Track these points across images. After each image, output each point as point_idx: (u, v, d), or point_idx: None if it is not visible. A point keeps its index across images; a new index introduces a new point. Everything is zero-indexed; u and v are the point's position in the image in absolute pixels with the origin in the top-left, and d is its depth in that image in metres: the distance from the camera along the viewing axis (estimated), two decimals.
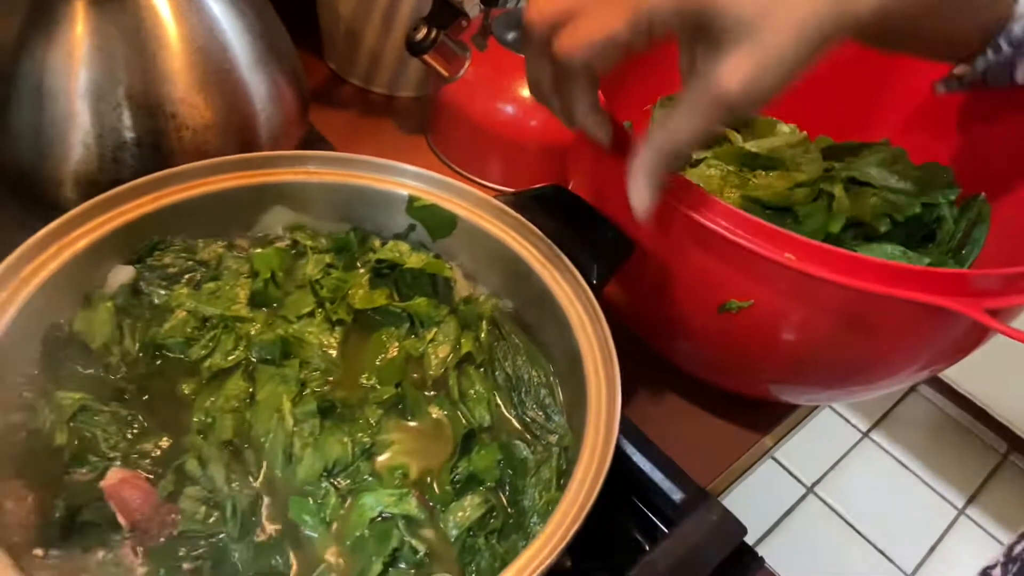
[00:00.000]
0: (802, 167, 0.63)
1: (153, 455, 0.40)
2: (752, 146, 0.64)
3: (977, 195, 0.60)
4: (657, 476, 0.47)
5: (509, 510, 0.41)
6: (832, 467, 1.88)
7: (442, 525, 0.40)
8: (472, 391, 0.46)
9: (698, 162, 0.65)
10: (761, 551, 0.49)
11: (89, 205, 0.44)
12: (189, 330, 0.45)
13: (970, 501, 1.85)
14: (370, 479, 0.41)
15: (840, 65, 0.68)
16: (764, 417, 0.63)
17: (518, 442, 0.44)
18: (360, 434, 0.43)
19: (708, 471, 0.58)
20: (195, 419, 0.42)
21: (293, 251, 0.51)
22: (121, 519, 0.36)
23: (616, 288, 0.54)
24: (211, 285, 0.48)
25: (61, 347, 0.42)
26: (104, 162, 0.50)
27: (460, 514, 0.40)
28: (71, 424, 0.40)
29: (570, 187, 0.55)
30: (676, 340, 0.57)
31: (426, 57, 0.70)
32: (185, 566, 0.36)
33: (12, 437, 0.38)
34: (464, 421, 0.45)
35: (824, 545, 1.73)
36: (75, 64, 0.48)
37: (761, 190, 0.61)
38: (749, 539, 0.47)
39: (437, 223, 0.51)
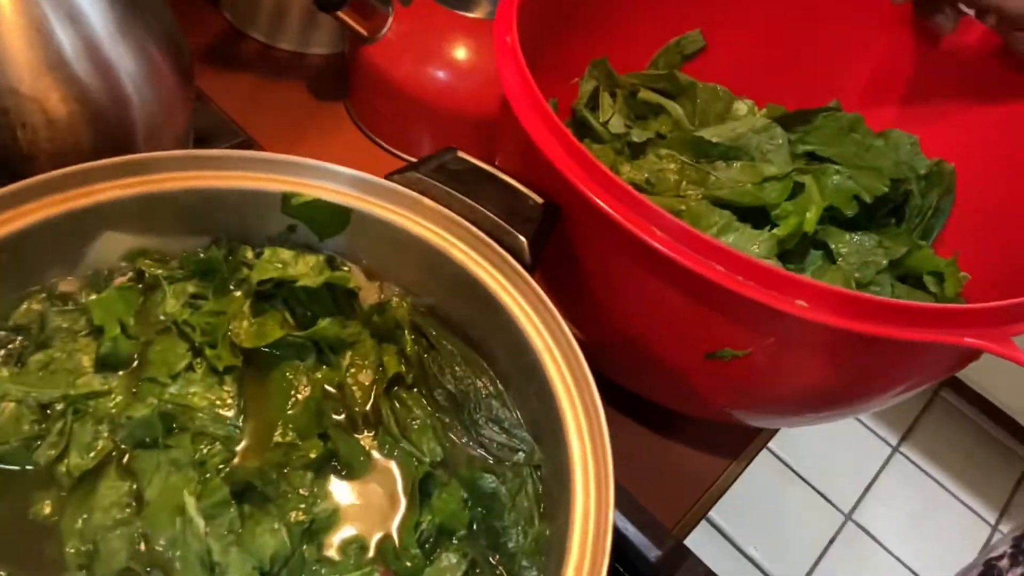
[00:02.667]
0: (769, 156, 0.56)
1: None
2: (710, 134, 0.56)
3: (942, 163, 0.57)
4: (629, 530, 0.42)
5: (492, 559, 0.35)
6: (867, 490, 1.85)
7: None
8: (412, 420, 0.39)
9: (642, 147, 0.57)
10: None
11: None
12: (25, 427, 0.34)
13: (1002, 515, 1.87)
14: (321, 568, 0.33)
15: (783, 17, 0.62)
16: (733, 437, 0.58)
17: (483, 474, 0.37)
18: (293, 512, 0.34)
19: (676, 504, 0.54)
20: (68, 550, 0.31)
21: (139, 286, 0.40)
22: None
23: (569, 318, 0.45)
24: (40, 357, 0.36)
25: None
26: None
27: None
28: None
29: (496, 162, 0.46)
30: (631, 371, 0.51)
31: (340, 14, 0.57)
32: None
33: None
34: (415, 461, 0.37)
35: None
36: None
37: (726, 188, 0.53)
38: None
39: (325, 220, 0.41)
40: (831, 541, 1.79)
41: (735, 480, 0.57)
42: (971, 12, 0.55)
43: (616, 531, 0.44)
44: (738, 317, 0.40)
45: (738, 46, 0.64)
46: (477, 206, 0.42)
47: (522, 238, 0.41)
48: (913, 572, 1.78)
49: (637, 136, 0.57)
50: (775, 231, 0.50)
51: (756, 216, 0.52)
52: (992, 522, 1.89)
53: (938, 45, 0.59)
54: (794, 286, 0.37)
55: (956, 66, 0.59)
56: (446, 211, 0.41)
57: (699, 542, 1.66)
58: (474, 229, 0.40)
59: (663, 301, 0.42)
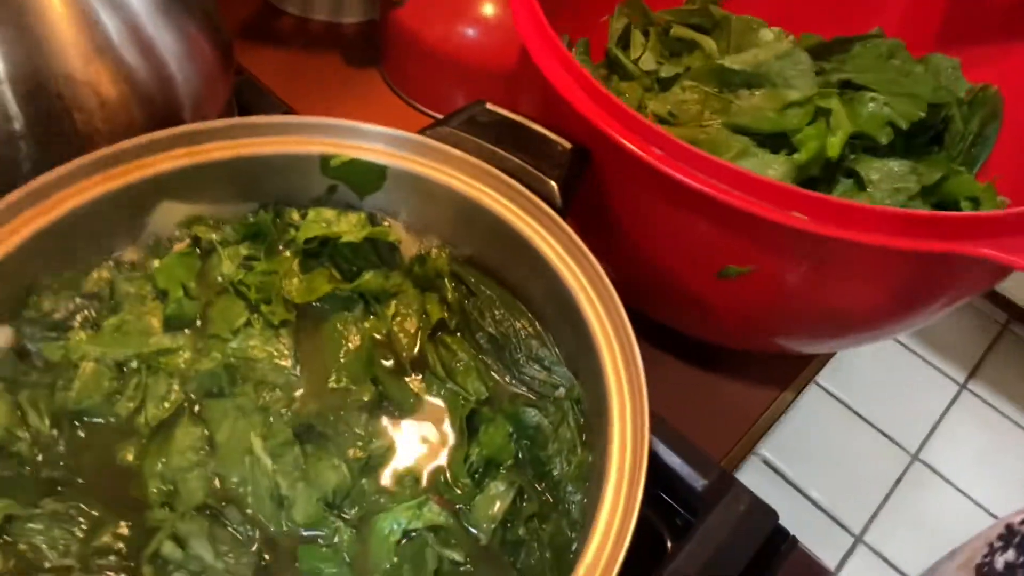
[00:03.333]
0: (792, 82, 0.55)
1: (116, 549, 0.33)
2: (732, 61, 0.55)
3: (987, 86, 0.55)
4: (675, 461, 0.43)
5: (539, 486, 0.37)
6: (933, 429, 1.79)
7: (471, 525, 0.36)
8: (457, 362, 0.41)
9: (670, 81, 0.58)
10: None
11: None
12: (105, 384, 0.37)
13: None
14: (379, 498, 0.36)
15: None
16: (780, 370, 0.58)
17: (526, 408, 0.39)
18: (351, 450, 0.37)
19: (723, 442, 0.54)
20: (152, 490, 0.35)
21: (197, 251, 0.43)
22: None
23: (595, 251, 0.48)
24: (113, 320, 0.39)
25: None
26: None
27: (489, 507, 0.36)
28: (0, 541, 0.32)
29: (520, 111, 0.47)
30: (670, 307, 0.51)
31: None
32: None
33: None
34: (461, 400, 0.39)
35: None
36: None
37: (747, 115, 0.53)
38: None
39: (362, 179, 0.43)
40: (897, 481, 1.77)
41: (785, 411, 0.57)
42: None
43: (662, 464, 0.45)
44: (738, 232, 0.41)
45: None
46: (507, 155, 0.43)
47: (552, 183, 0.43)
48: (984, 509, 1.75)
49: (666, 72, 0.57)
50: (794, 156, 0.49)
51: (780, 143, 0.52)
52: None
53: None
54: (791, 198, 0.37)
55: None
56: (477, 161, 0.42)
57: (760, 484, 1.66)
58: (505, 177, 0.41)
59: (670, 222, 0.43)
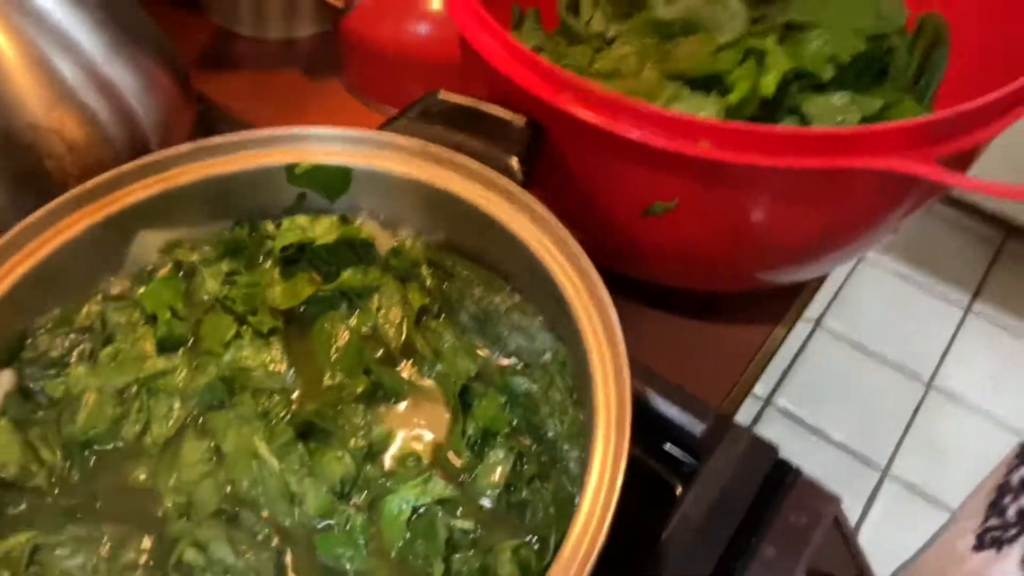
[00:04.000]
0: (722, 26, 0.56)
1: (142, 563, 0.34)
2: (663, 11, 0.56)
3: (932, 13, 0.55)
4: (672, 411, 0.44)
5: (536, 448, 0.39)
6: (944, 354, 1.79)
7: (476, 494, 0.37)
8: (444, 344, 0.42)
9: (612, 41, 0.59)
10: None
11: None
12: (109, 411, 0.38)
13: None
14: (386, 481, 0.37)
15: None
16: (768, 308, 0.59)
17: (515, 377, 0.40)
18: (352, 440, 0.38)
19: (720, 387, 0.55)
20: (168, 504, 0.36)
21: (180, 274, 0.44)
22: None
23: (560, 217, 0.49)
24: (108, 351, 0.40)
25: None
26: None
27: (491, 475, 0.37)
28: (32, 570, 0.34)
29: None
30: (622, 255, 0.52)
31: None
32: None
33: None
34: (452, 379, 0.41)
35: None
36: None
37: (682, 61, 0.54)
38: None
39: (329, 183, 0.45)
40: (916, 411, 1.79)
41: (779, 346, 0.59)
42: None
43: (659, 415, 0.46)
44: (655, 167, 0.43)
45: None
46: (465, 138, 0.44)
47: (512, 158, 0.44)
48: (1005, 425, 1.76)
49: (614, 31, 0.59)
50: (727, 97, 0.51)
51: (717, 87, 0.53)
52: None
53: None
54: (696, 129, 0.39)
55: None
56: (436, 148, 0.43)
57: (781, 434, 1.68)
58: (464, 159, 0.43)
59: (601, 169, 0.45)
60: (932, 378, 1.83)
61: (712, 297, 0.59)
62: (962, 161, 0.44)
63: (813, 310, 1.84)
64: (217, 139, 0.43)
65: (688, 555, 0.42)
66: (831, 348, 1.84)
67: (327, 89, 0.74)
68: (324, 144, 0.44)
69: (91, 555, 0.34)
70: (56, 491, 0.36)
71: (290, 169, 0.44)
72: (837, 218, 0.46)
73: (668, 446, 0.48)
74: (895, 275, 1.98)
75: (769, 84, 0.53)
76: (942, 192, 0.49)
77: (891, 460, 1.70)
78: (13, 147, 0.46)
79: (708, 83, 0.55)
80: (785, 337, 0.62)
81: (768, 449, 0.47)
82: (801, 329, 1.81)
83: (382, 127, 0.45)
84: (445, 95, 0.47)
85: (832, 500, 0.49)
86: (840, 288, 1.92)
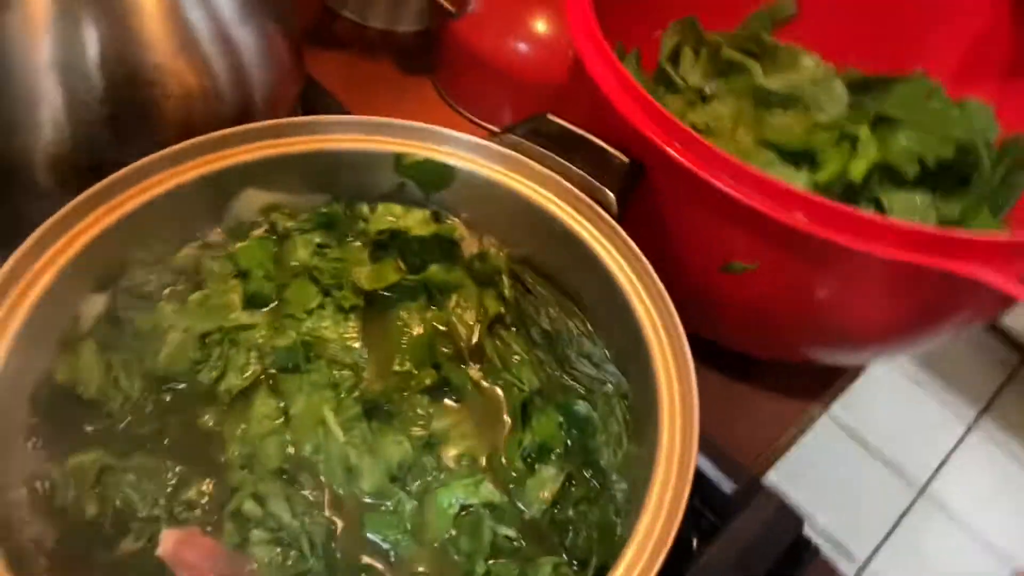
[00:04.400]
0: (823, 106, 0.58)
1: (200, 504, 0.36)
2: (769, 81, 0.59)
3: (1019, 136, 0.57)
4: (705, 465, 0.45)
5: (587, 473, 0.40)
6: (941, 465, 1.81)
7: (523, 504, 0.38)
8: (512, 355, 0.43)
9: (712, 98, 0.61)
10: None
11: (41, 232, 0.37)
12: (190, 353, 0.40)
13: None
14: (439, 475, 0.39)
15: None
16: (807, 386, 0.60)
17: (577, 400, 0.42)
18: (414, 429, 0.40)
19: (750, 448, 0.56)
20: (232, 453, 0.37)
21: (274, 237, 0.46)
22: None
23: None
24: (197, 296, 0.42)
25: (53, 405, 0.36)
26: (79, 141, 0.43)
27: (540, 489, 0.39)
28: (97, 490, 0.35)
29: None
30: (682, 303, 0.54)
31: None
32: None
33: (39, 523, 0.33)
34: (516, 390, 0.42)
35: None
36: (37, 32, 0.40)
37: (777, 132, 0.56)
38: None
39: (431, 178, 0.46)
40: (903, 514, 1.78)
41: (812, 424, 0.60)
42: None
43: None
44: (742, 225, 0.44)
45: (829, 14, 0.65)
46: (568, 164, 0.46)
47: (610, 193, 0.45)
48: (989, 547, 1.75)
49: (710, 89, 0.60)
50: (816, 175, 0.52)
51: (806, 162, 0.55)
52: None
53: None
54: (794, 199, 0.40)
55: None
56: (542, 168, 0.45)
57: None
58: (568, 185, 0.44)
59: (691, 218, 0.47)
60: (926, 485, 1.83)
61: (757, 363, 0.60)
62: None
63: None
64: (337, 117, 0.45)
65: None
66: (832, 434, 1.84)
67: (417, 86, 0.76)
68: (436, 142, 0.46)
69: (154, 486, 0.36)
70: (128, 419, 0.38)
71: (399, 158, 0.45)
72: (905, 313, 0.47)
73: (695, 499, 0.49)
74: (908, 378, 1.98)
75: (859, 170, 0.55)
76: (1007, 309, 0.50)
77: (870, 558, 1.69)
78: (139, 82, 0.48)
79: (797, 157, 0.57)
80: (817, 418, 0.63)
81: (794, 519, 0.47)
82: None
83: (491, 137, 0.47)
84: (554, 118, 0.49)
85: None
86: (853, 383, 1.92)
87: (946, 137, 0.58)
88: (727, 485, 0.48)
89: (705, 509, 0.48)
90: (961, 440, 1.90)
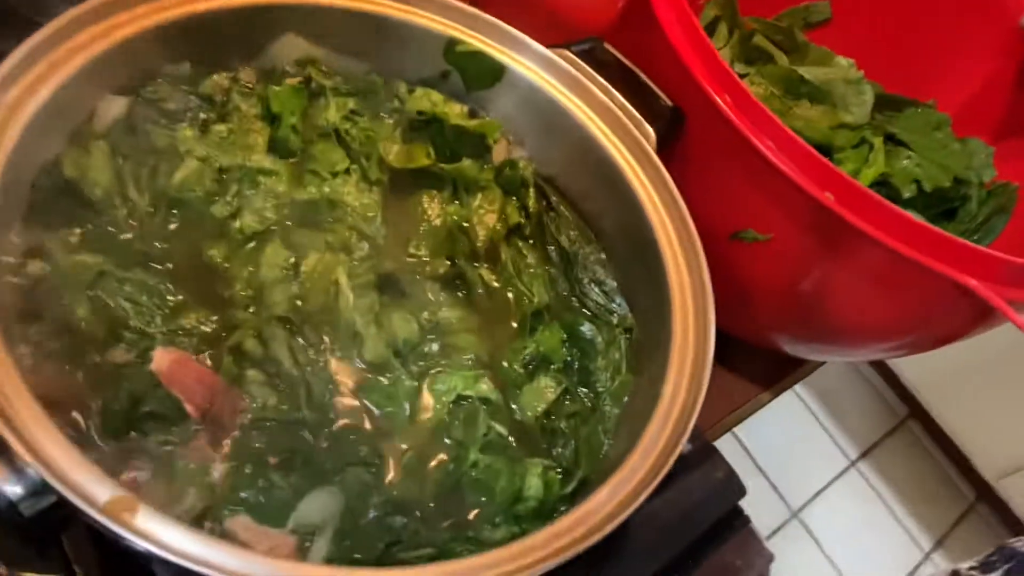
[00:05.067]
0: (851, 108, 0.59)
1: (197, 332, 0.34)
2: (805, 71, 0.59)
3: (1009, 184, 0.60)
4: None
5: (582, 392, 0.40)
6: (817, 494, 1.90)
7: (518, 408, 0.38)
8: (527, 266, 0.43)
9: (741, 77, 0.61)
10: None
11: (78, 12, 0.34)
12: (207, 182, 0.38)
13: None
14: (441, 362, 0.38)
15: (909, 13, 0.64)
16: (765, 372, 0.62)
17: (583, 320, 0.42)
18: (423, 311, 0.39)
19: (701, 420, 0.58)
20: (238, 291, 0.36)
21: (306, 90, 0.43)
22: (189, 408, 0.31)
23: None
24: (220, 128, 0.39)
25: (55, 196, 0.34)
26: None
27: (537, 396, 0.38)
28: (91, 294, 0.32)
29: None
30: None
31: None
32: (271, 460, 0.32)
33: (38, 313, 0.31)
34: (526, 299, 0.42)
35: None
36: None
37: (801, 122, 0.57)
38: None
39: (478, 73, 0.45)
40: (774, 532, 1.88)
41: (762, 407, 0.62)
42: None
43: None
44: (770, 192, 0.44)
45: (861, 27, 0.67)
46: (616, 93, 0.45)
47: (652, 131, 0.45)
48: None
49: (739, 69, 0.61)
50: None
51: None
52: (926, 549, 1.98)
53: None
54: (830, 177, 0.41)
55: None
56: (594, 89, 0.44)
57: None
58: (614, 108, 0.44)
59: (721, 174, 0.47)
60: (800, 510, 1.94)
61: (725, 343, 0.61)
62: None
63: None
64: None
65: (642, 552, 0.44)
66: (727, 444, 1.92)
67: None
68: (492, 35, 0.44)
69: (153, 304, 0.33)
70: (133, 233, 0.35)
71: (451, 44, 0.44)
72: (892, 313, 0.49)
73: None
74: (806, 407, 2.09)
75: (868, 176, 0.57)
76: (976, 330, 0.53)
77: None
78: None
79: (817, 150, 0.58)
80: (768, 402, 0.65)
81: (739, 488, 0.49)
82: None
83: (548, 47, 0.46)
84: (610, 47, 0.48)
85: (766, 556, 0.52)
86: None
87: (945, 168, 0.61)
88: (685, 445, 0.49)
89: None
90: (840, 475, 2.02)
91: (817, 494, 1.99)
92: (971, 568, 0.51)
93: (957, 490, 2.11)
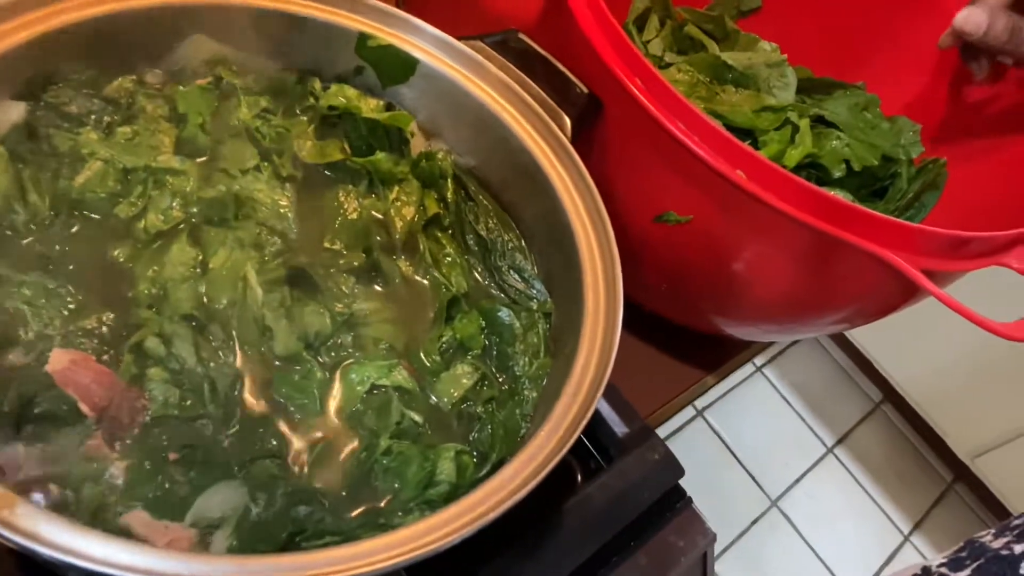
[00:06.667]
0: (775, 91, 0.61)
1: (98, 333, 0.34)
2: (729, 58, 0.61)
3: (938, 159, 0.61)
4: (603, 407, 0.46)
5: (500, 377, 0.40)
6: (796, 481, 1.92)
7: (434, 396, 0.38)
8: (444, 255, 0.43)
9: (668, 65, 0.62)
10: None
11: None
12: (110, 183, 0.37)
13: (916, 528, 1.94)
14: (355, 353, 0.38)
15: (840, 9, 0.65)
16: (708, 356, 0.63)
17: (500, 307, 0.42)
18: (336, 304, 0.39)
19: (644, 405, 0.58)
20: (142, 291, 0.35)
21: (216, 90, 0.43)
22: (84, 408, 0.31)
23: None
24: (125, 130, 0.39)
25: None
26: None
27: (453, 383, 0.39)
28: None
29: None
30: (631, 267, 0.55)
31: None
32: (171, 456, 0.31)
33: None
34: (443, 288, 0.42)
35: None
36: None
37: (726, 107, 0.58)
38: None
39: (392, 67, 0.45)
40: (754, 522, 1.89)
41: (708, 389, 0.62)
42: (1009, 62, 0.58)
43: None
44: (685, 173, 0.45)
45: (791, 14, 0.68)
46: (531, 82, 0.46)
47: (567, 119, 0.46)
48: (824, 564, 1.88)
49: (669, 59, 0.62)
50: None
51: (748, 140, 0.57)
52: (905, 532, 2.00)
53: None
54: (741, 156, 0.42)
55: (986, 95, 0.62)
56: (507, 79, 0.45)
57: None
58: (529, 99, 0.44)
59: (637, 160, 0.47)
60: (779, 498, 1.95)
61: (667, 330, 0.62)
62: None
63: (700, 401, 1.95)
64: None
65: (579, 535, 0.44)
66: (705, 438, 1.93)
67: None
68: (404, 30, 0.45)
69: (51, 306, 0.33)
70: (32, 236, 0.35)
71: (363, 39, 0.44)
72: (816, 288, 0.50)
73: (584, 438, 0.50)
74: (781, 396, 2.11)
75: (793, 157, 0.58)
76: (906, 303, 0.53)
77: (715, 559, 1.79)
78: None
79: (741, 134, 0.59)
80: (713, 385, 0.66)
81: (676, 468, 0.50)
82: (685, 413, 1.92)
83: (460, 39, 0.46)
84: (524, 37, 0.49)
85: (708, 535, 0.53)
86: (732, 388, 2.02)
87: (874, 146, 0.62)
88: (620, 428, 0.49)
89: (596, 451, 0.50)
90: (818, 462, 2.04)
91: (795, 482, 2.01)
92: (940, 565, 0.51)
93: (934, 471, 2.14)
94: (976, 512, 2.10)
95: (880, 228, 0.43)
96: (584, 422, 0.35)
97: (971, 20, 0.51)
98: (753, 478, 1.93)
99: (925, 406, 2.01)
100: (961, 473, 2.09)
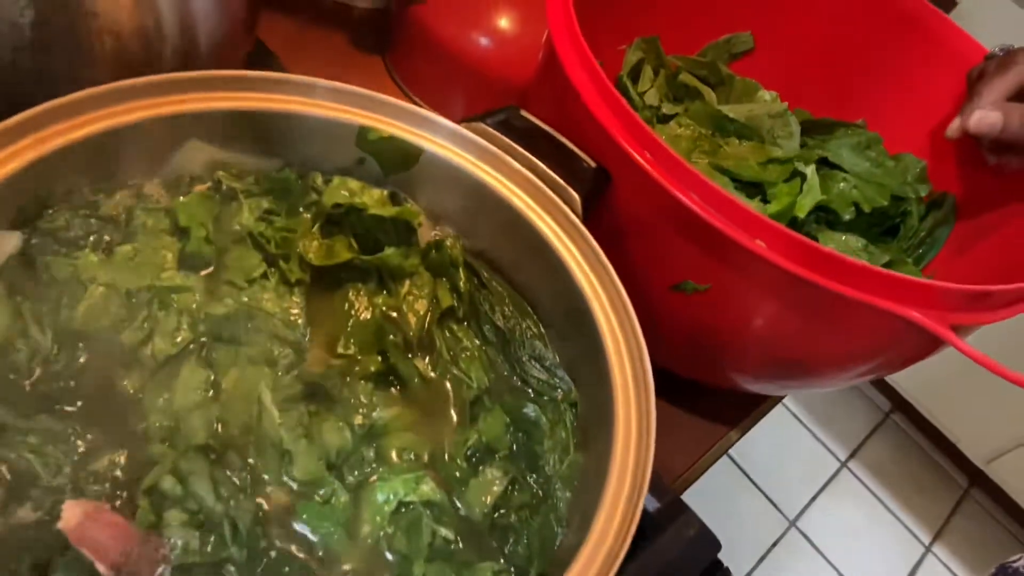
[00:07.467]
0: (779, 141, 0.60)
1: (112, 477, 0.32)
2: (729, 110, 0.60)
3: (946, 194, 0.60)
4: None
5: (530, 478, 0.39)
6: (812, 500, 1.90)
7: (464, 506, 0.37)
8: (462, 350, 0.42)
9: (668, 118, 0.61)
10: None
11: None
12: (113, 309, 0.36)
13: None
14: (378, 467, 0.36)
15: (832, 38, 0.64)
16: (730, 411, 0.61)
17: (526, 402, 0.40)
18: (355, 416, 0.37)
19: (669, 470, 0.57)
20: (152, 423, 0.34)
21: (217, 196, 0.42)
22: (101, 568, 0.29)
23: None
24: (126, 249, 0.38)
25: None
26: (3, 66, 0.39)
27: (483, 490, 0.37)
28: None
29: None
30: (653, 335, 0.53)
31: None
32: None
33: None
34: (464, 386, 0.40)
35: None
36: None
37: (732, 160, 0.57)
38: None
39: (394, 157, 0.44)
40: (774, 544, 1.87)
41: (731, 446, 0.61)
42: None
43: None
44: (702, 245, 0.44)
45: (785, 54, 0.67)
46: (536, 161, 0.45)
47: (576, 195, 0.44)
48: None
49: (667, 109, 0.61)
50: (766, 206, 0.54)
51: (755, 192, 0.56)
52: (926, 542, 1.98)
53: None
54: (758, 225, 0.41)
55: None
56: (511, 161, 0.43)
57: None
58: (535, 179, 0.43)
59: (652, 232, 0.46)
60: (797, 518, 1.93)
61: (685, 386, 0.60)
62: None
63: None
64: (301, 78, 0.42)
65: None
66: (719, 461, 1.90)
67: (369, 65, 0.74)
68: (404, 120, 0.44)
69: (60, 452, 0.32)
70: (36, 375, 0.33)
71: (363, 132, 0.43)
72: (842, 348, 0.49)
73: None
74: (791, 413, 2.09)
75: (804, 207, 0.56)
76: (929, 356, 0.52)
77: None
78: (84, 13, 0.44)
79: (750, 187, 0.58)
80: (736, 441, 0.64)
81: (713, 542, 0.48)
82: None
83: (460, 122, 0.45)
84: (525, 114, 0.48)
85: None
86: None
87: (882, 187, 0.62)
88: (651, 504, 0.48)
89: None
90: (832, 479, 2.02)
91: (812, 500, 1.99)
92: None
93: (949, 478, 2.12)
94: (995, 517, 2.08)
95: (906, 289, 0.42)
96: (632, 529, 0.33)
97: (986, 121, 0.50)
98: (769, 499, 1.91)
99: (935, 413, 2.00)
100: (977, 478, 2.07)
